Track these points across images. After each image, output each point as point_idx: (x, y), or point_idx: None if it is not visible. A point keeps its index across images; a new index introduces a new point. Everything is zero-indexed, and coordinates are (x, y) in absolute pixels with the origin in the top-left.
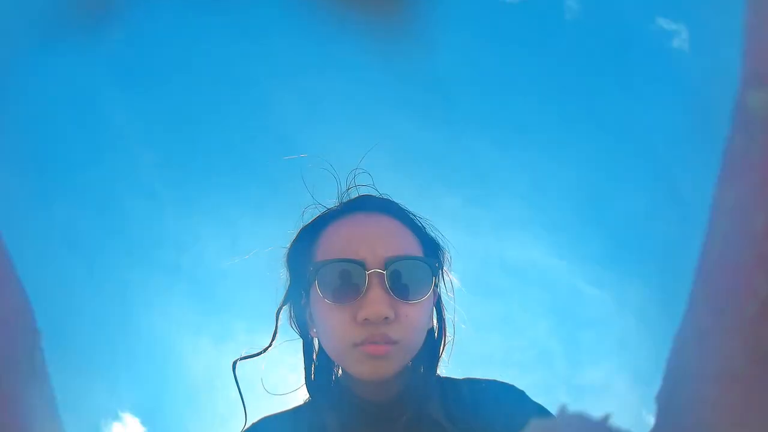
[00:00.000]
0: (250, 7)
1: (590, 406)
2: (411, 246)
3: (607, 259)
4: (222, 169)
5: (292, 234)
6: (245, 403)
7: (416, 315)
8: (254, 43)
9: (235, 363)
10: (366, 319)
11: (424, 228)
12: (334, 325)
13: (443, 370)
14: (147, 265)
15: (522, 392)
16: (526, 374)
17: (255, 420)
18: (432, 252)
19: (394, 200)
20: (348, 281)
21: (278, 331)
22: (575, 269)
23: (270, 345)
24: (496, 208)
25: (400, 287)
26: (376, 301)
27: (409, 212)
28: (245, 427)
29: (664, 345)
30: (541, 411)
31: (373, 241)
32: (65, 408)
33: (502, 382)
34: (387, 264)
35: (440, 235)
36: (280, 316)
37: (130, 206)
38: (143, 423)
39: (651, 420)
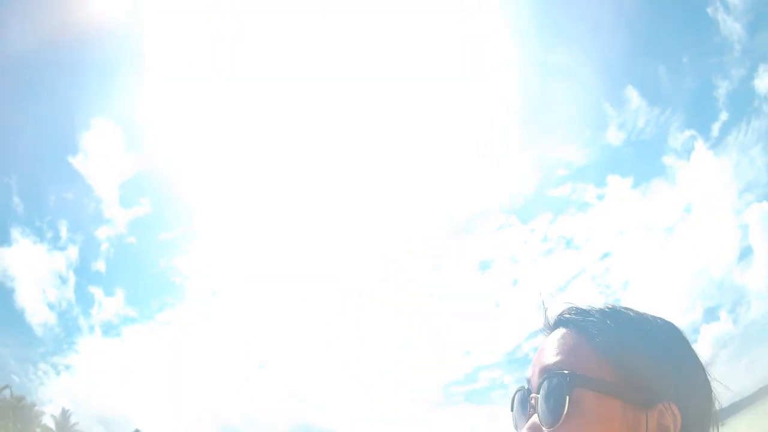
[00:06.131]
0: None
1: None
2: (572, 354)
3: None
4: None
5: None
6: None
7: None
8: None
9: None
10: None
11: (609, 323)
12: None
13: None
14: None
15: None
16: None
17: None
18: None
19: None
20: (518, 406)
21: None
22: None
23: None
24: None
25: (543, 411)
26: None
27: (593, 313)
28: None
29: None
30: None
31: (537, 359)
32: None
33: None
34: (539, 385)
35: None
36: None
37: None
38: (117, 123)
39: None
